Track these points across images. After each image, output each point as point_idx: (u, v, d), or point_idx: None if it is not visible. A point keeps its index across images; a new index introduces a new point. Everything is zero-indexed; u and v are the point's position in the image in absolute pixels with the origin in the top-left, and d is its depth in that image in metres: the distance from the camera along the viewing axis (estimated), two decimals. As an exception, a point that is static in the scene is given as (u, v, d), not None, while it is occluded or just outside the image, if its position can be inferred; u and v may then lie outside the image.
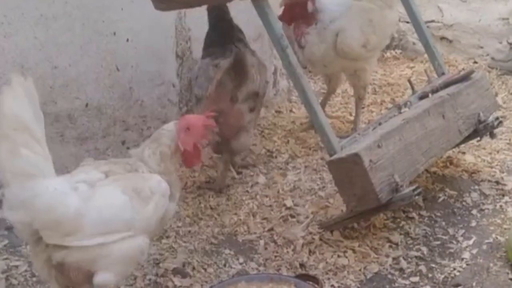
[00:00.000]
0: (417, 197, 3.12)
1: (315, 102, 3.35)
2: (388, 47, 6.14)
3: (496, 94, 5.23)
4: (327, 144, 3.29)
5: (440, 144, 3.59)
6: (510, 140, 4.56)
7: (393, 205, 3.20)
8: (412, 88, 3.99)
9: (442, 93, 3.74)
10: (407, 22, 5.41)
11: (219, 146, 3.78)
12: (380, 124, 3.48)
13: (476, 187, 3.95)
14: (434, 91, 3.77)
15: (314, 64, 4.40)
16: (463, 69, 5.72)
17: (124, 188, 2.49)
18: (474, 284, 3.11)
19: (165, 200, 2.61)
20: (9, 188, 2.29)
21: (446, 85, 3.82)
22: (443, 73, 4.09)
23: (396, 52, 6.20)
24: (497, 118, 3.94)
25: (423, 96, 3.74)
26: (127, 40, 3.94)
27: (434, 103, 3.62)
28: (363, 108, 4.89)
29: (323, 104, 4.75)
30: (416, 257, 3.33)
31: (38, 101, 2.39)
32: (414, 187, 3.12)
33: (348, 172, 3.08)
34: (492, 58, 5.76)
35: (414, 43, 6.00)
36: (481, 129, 3.87)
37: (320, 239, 3.43)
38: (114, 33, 3.85)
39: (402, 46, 6.13)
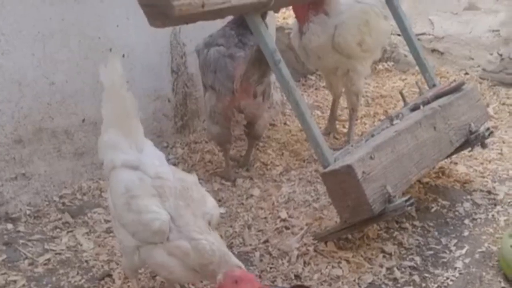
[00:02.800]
0: (409, 207, 3.16)
1: (308, 114, 3.39)
2: (380, 60, 6.23)
3: (488, 105, 5.31)
4: (320, 156, 3.34)
5: (431, 155, 3.64)
6: (501, 150, 4.62)
7: (386, 216, 3.24)
8: (404, 100, 4.05)
9: (434, 104, 3.79)
10: (399, 35, 5.48)
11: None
12: (372, 135, 3.52)
13: (468, 197, 4.01)
14: (426, 103, 3.82)
15: (309, 54, 4.47)
16: (454, 80, 5.79)
17: None
18: (466, 293, 3.15)
19: None
20: None
21: (437, 96, 3.88)
22: (434, 85, 4.15)
23: (388, 65, 6.28)
24: (488, 129, 3.99)
25: (414, 108, 3.79)
26: (123, 56, 4.00)
27: (426, 115, 3.67)
28: (356, 120, 4.95)
29: (333, 110, 4.90)
30: (409, 267, 3.36)
31: None
32: (406, 197, 3.16)
33: (341, 183, 3.13)
34: (483, 69, 5.83)
35: (405, 56, 6.08)
36: (472, 140, 3.92)
37: (315, 250, 3.47)
38: (110, 49, 3.91)
39: (394, 58, 6.21)
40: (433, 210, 3.87)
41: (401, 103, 4.28)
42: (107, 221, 3.68)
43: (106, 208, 3.63)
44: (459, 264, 3.37)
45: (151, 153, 2.86)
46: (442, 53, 6.05)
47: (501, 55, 5.76)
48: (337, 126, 5.01)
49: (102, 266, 3.32)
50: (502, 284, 3.18)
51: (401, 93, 4.11)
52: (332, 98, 4.94)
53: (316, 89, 5.78)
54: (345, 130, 4.89)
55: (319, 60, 4.46)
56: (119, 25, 3.95)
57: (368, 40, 4.37)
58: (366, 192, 3.06)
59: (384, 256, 3.44)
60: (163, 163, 2.85)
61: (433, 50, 6.09)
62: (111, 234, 3.51)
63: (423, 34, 6.09)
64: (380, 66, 6.27)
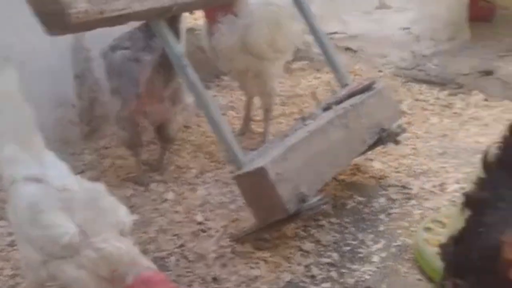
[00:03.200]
0: (323, 206, 3.18)
1: (218, 117, 3.36)
2: (294, 59, 6.23)
3: (402, 101, 5.39)
4: (233, 158, 3.31)
5: (345, 154, 3.65)
6: (415, 145, 4.67)
7: (301, 215, 3.23)
8: (316, 100, 4.05)
9: (346, 104, 3.80)
10: (313, 34, 5.49)
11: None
12: (286, 136, 3.50)
13: (384, 192, 4.02)
14: (338, 102, 3.82)
15: (219, 56, 4.41)
16: (368, 78, 5.86)
17: None
18: (384, 286, 3.14)
19: None
20: None
21: (350, 96, 3.89)
22: (346, 84, 4.15)
23: (302, 63, 6.28)
24: (399, 126, 4.04)
25: (327, 108, 3.79)
26: (22, 63, 3.81)
27: (338, 114, 3.67)
28: (271, 120, 4.92)
29: (248, 111, 4.87)
30: (327, 263, 3.34)
31: None
32: (320, 196, 3.17)
33: (255, 185, 3.10)
34: (397, 67, 5.92)
35: (320, 54, 6.09)
36: (385, 137, 3.95)
37: (232, 252, 3.41)
38: (6, 57, 3.72)
39: (308, 57, 6.21)
40: (349, 206, 3.87)
41: (325, 99, 4.28)
42: (10, 234, 3.49)
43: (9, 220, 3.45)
44: (375, 258, 3.37)
45: (54, 164, 2.75)
46: (355, 51, 6.11)
47: (413, 52, 5.87)
48: (253, 126, 4.97)
49: (7, 281, 3.17)
50: (418, 276, 3.20)
51: (313, 94, 4.11)
52: (246, 98, 4.89)
53: (231, 89, 5.72)
54: (260, 130, 4.85)
55: (230, 61, 4.41)
56: (17, 31, 3.76)
57: (279, 40, 4.33)
58: (280, 193, 3.04)
59: (302, 254, 3.41)
60: (67, 174, 2.75)
61: (347, 49, 6.14)
62: (15, 248, 3.31)
63: (336, 33, 6.13)
64: (294, 65, 6.27)
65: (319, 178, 3.40)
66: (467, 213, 2.39)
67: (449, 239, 2.38)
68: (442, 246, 2.37)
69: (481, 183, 2.43)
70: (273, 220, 3.21)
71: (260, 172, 3.07)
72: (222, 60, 4.46)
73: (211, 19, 4.32)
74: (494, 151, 2.42)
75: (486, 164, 2.43)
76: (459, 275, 2.11)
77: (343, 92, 3.99)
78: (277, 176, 3.08)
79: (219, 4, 4.19)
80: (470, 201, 2.41)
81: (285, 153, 3.22)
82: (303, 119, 3.71)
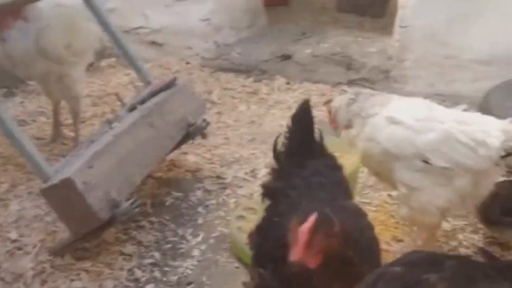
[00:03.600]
0: (137, 209, 3.19)
1: (16, 131, 3.24)
2: (102, 56, 6.12)
3: (211, 92, 5.52)
4: (38, 172, 3.22)
5: (153, 153, 3.67)
6: (227, 134, 4.83)
7: (116, 221, 3.21)
8: (121, 101, 4.03)
9: (149, 103, 3.82)
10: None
11: None
12: (93, 142, 3.45)
13: (200, 184, 4.12)
14: (142, 101, 3.83)
15: (16, 63, 4.20)
16: (177, 71, 5.93)
17: None
18: (204, 279, 3.25)
19: None
20: None
21: (153, 94, 3.91)
22: (149, 82, 4.16)
23: (111, 61, 6.19)
24: (204, 120, 4.13)
25: (132, 108, 3.78)
26: None
27: (142, 114, 3.68)
28: (84, 122, 4.81)
29: (56, 116, 4.70)
30: (150, 264, 3.38)
31: None
32: (132, 200, 3.18)
33: (64, 197, 3.04)
34: (202, 57, 6.04)
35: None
36: (192, 132, 4.03)
37: (52, 267, 3.32)
38: None
39: (116, 54, 6.11)
40: (168, 203, 3.92)
41: (129, 99, 4.25)
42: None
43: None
44: (196, 252, 3.46)
45: None
46: (161, 45, 6.13)
47: (216, 42, 6.01)
48: (64, 131, 4.81)
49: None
50: (235, 265, 3.34)
51: (117, 95, 4.08)
52: (52, 104, 4.73)
53: (38, 94, 5.48)
54: (73, 135, 4.71)
55: (28, 67, 4.22)
56: None
57: (76, 43, 4.22)
58: (90, 202, 3.01)
59: (124, 258, 3.41)
60: None
61: (153, 43, 6.15)
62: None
63: (140, 27, 6.11)
64: (103, 63, 6.16)
65: (130, 181, 3.40)
66: (267, 202, 2.56)
67: (254, 228, 2.53)
68: (249, 236, 2.51)
69: (275, 173, 2.61)
70: (88, 230, 3.17)
71: (67, 183, 3.01)
72: (19, 67, 4.26)
73: (1, 26, 4.09)
74: (282, 141, 2.61)
75: (276, 155, 2.62)
76: (261, 263, 2.25)
77: (146, 91, 4.00)
78: (85, 185, 3.03)
79: (8, 10, 3.99)
80: (267, 191, 2.58)
81: (91, 160, 3.18)
82: (109, 122, 3.67)
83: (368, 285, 1.72)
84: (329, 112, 3.48)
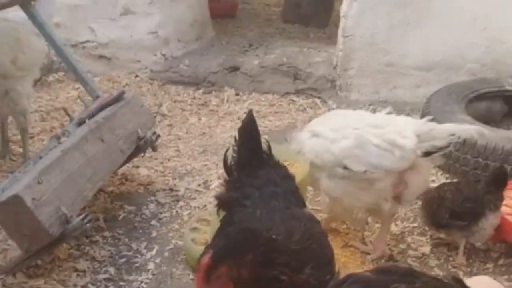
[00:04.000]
0: (88, 224, 3.18)
1: None
2: (49, 71, 6.09)
3: (161, 105, 5.54)
4: (-18, 189, 3.15)
5: (104, 168, 3.67)
6: (178, 147, 4.86)
7: (67, 237, 3.20)
8: (69, 116, 4.01)
9: (98, 117, 3.81)
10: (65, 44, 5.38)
11: None
12: (41, 157, 3.42)
13: (153, 198, 4.14)
14: (90, 116, 3.82)
15: None
16: (126, 84, 5.93)
17: None
18: (160, 292, 3.27)
19: None
20: None
21: (101, 108, 3.90)
22: (97, 97, 4.15)
23: (59, 75, 6.14)
24: (154, 133, 4.15)
25: (80, 123, 3.77)
26: None
27: (91, 129, 3.68)
28: (32, 137, 4.77)
29: (3, 132, 4.65)
30: (104, 279, 3.37)
31: None
32: (83, 216, 3.17)
33: (12, 214, 3.00)
34: (151, 70, 6.05)
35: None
36: (142, 145, 4.04)
37: (4, 285, 3.27)
38: None
39: (64, 68, 6.08)
40: (121, 217, 3.92)
41: (78, 114, 4.24)
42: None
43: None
44: (151, 265, 3.47)
45: None
46: (109, 59, 6.12)
47: (164, 55, 6.03)
48: (13, 147, 4.75)
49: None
50: (191, 276, 3.36)
51: (64, 110, 4.06)
52: (-1, 120, 4.66)
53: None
54: (21, 151, 4.66)
55: None
56: None
57: (22, 58, 4.19)
58: (40, 219, 2.98)
59: (78, 275, 3.39)
60: None
61: (100, 57, 6.13)
62: None
63: (87, 41, 6.08)
64: (50, 78, 6.11)
65: (81, 196, 3.38)
66: (222, 214, 2.61)
67: (212, 239, 2.57)
68: (206, 247, 2.55)
69: (227, 185, 2.66)
70: (39, 247, 3.13)
71: (15, 200, 2.96)
72: None
73: None
74: (231, 154, 2.67)
75: (227, 168, 2.67)
76: None
77: (94, 105, 3.99)
78: (34, 202, 3.00)
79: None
80: (221, 203, 2.63)
81: (39, 176, 3.14)
82: (57, 137, 3.64)
83: (335, 285, 1.75)
84: None
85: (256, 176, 2.60)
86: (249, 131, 2.67)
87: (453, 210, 3.41)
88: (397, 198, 3.34)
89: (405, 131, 3.19)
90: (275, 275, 2.11)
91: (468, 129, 3.23)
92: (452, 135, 3.14)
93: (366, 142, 3.22)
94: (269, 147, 2.74)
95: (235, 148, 2.69)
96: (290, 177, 2.71)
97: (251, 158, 2.65)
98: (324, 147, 3.32)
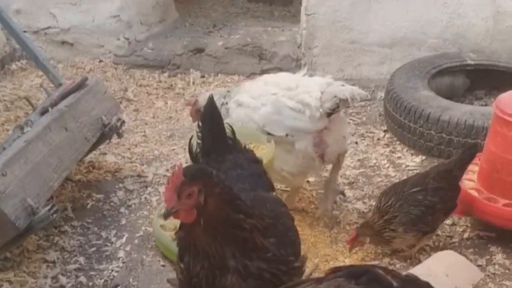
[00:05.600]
0: (54, 215, 3.13)
1: None
2: (12, 59, 5.98)
3: (126, 89, 5.49)
4: None
5: (69, 157, 3.63)
6: (145, 132, 4.83)
7: (34, 228, 3.16)
8: (31, 105, 3.96)
9: (61, 105, 3.76)
10: (25, 31, 5.28)
11: None
12: (4, 149, 3.36)
13: (121, 185, 4.12)
14: (53, 104, 3.76)
15: None
16: (90, 70, 5.86)
17: None
18: (131, 280, 3.28)
19: None
20: None
21: (64, 96, 3.85)
22: (60, 84, 4.10)
23: (22, 63, 6.03)
24: (119, 119, 4.11)
25: (44, 112, 3.71)
26: None
27: (54, 118, 3.62)
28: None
29: None
30: (74, 269, 3.37)
31: None
32: (49, 206, 3.13)
33: (-22, 207, 2.96)
34: (115, 55, 5.97)
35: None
36: (107, 132, 4.00)
37: (-29, 280, 3.25)
38: None
39: (26, 56, 5.97)
40: (89, 206, 3.90)
41: (41, 102, 4.18)
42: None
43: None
44: (121, 253, 3.48)
45: None
46: (72, 44, 6.02)
47: (127, 39, 5.95)
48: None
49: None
50: (162, 263, 3.38)
51: (27, 99, 4.00)
52: None
53: None
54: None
55: None
56: None
57: None
58: (6, 211, 2.94)
59: (47, 266, 3.38)
60: None
61: (63, 42, 6.03)
62: None
63: (48, 28, 5.97)
64: (13, 66, 6.00)
65: (46, 186, 3.35)
66: None
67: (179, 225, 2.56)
68: (175, 232, 2.54)
69: None
70: (6, 240, 3.09)
71: None
72: None
73: None
74: (196, 140, 2.67)
75: (192, 155, 2.67)
76: (181, 259, 2.30)
77: (57, 93, 3.92)
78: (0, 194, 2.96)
79: None
80: None
81: (3, 168, 3.09)
82: (20, 127, 3.59)
83: (349, 272, 1.75)
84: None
85: (223, 161, 2.61)
86: (211, 117, 2.67)
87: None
88: (322, 157, 3.51)
89: (313, 91, 3.37)
90: (239, 219, 2.16)
91: (343, 90, 3.36)
92: (335, 96, 3.33)
93: (283, 107, 3.40)
94: (233, 132, 2.74)
95: (199, 134, 2.69)
96: (256, 161, 2.74)
97: (216, 144, 2.66)
98: (248, 116, 3.48)
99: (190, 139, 2.71)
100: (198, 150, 2.69)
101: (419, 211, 3.28)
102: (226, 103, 3.61)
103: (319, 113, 3.33)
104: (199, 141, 2.68)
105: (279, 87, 3.49)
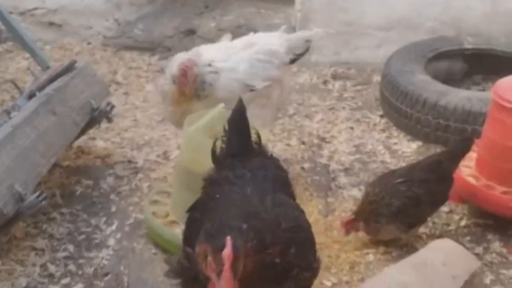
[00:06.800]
0: (43, 202, 3.08)
1: None
2: (-1, 41, 5.87)
3: (116, 72, 5.38)
4: None
5: (58, 142, 3.54)
6: (135, 116, 4.72)
7: (22, 215, 3.09)
8: (18, 88, 3.87)
9: (48, 89, 3.66)
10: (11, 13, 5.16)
11: None
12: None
13: (111, 171, 4.02)
14: (41, 88, 3.67)
15: None
16: (78, 52, 5.75)
17: None
18: (121, 268, 3.20)
19: None
20: None
21: (52, 79, 3.75)
22: (47, 67, 4.00)
23: (8, 45, 5.91)
24: (109, 103, 4.02)
25: (31, 96, 3.62)
26: None
27: (42, 102, 3.53)
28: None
29: None
30: (64, 257, 3.29)
31: None
32: (38, 193, 3.07)
33: (-37, 195, 2.88)
34: (104, 36, 5.86)
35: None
36: (97, 116, 3.92)
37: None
38: None
39: (12, 38, 5.85)
40: (78, 192, 3.82)
41: (28, 86, 4.08)
42: None
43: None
44: (111, 241, 3.40)
45: None
46: (60, 26, 5.91)
47: (117, 20, 5.85)
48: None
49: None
50: (153, 251, 3.31)
51: (13, 82, 3.90)
52: None
53: None
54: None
55: None
56: None
57: None
58: (-7, 198, 2.86)
59: (36, 254, 3.31)
60: None
61: (51, 24, 5.91)
62: None
63: (35, 8, 5.86)
64: (0, 49, 5.88)
65: (34, 172, 3.27)
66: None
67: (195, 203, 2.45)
68: (187, 210, 2.44)
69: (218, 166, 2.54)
70: (-7, 227, 3.02)
71: None
72: None
73: None
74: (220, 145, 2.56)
75: (215, 159, 2.54)
76: (190, 242, 2.20)
77: (44, 76, 3.83)
78: None
79: None
80: (209, 182, 2.51)
81: None
82: (7, 112, 3.50)
83: None
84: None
85: (250, 161, 2.50)
86: (239, 120, 2.55)
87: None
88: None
89: (276, 43, 3.67)
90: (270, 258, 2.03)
91: (316, 33, 3.77)
92: (308, 41, 3.73)
93: (255, 60, 3.61)
94: (259, 137, 2.62)
95: (224, 139, 2.57)
96: (283, 170, 2.63)
97: (242, 148, 2.54)
98: (228, 79, 3.55)
99: (215, 141, 2.58)
100: (221, 153, 2.57)
101: (400, 203, 3.20)
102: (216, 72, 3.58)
103: (288, 58, 3.68)
104: (223, 145, 2.55)
105: (243, 45, 3.69)
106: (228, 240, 1.92)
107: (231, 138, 2.54)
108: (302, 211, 2.44)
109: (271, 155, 2.69)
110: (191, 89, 3.49)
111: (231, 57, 3.62)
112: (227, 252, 1.90)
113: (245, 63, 3.60)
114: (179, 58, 3.55)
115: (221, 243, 1.92)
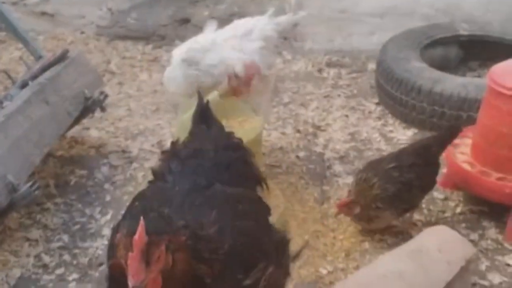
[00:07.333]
0: (37, 192, 3.06)
1: None
2: (-9, 31, 5.81)
3: (109, 62, 5.35)
4: None
5: (51, 131, 3.52)
6: (129, 106, 4.70)
7: (16, 206, 3.08)
8: (11, 78, 3.84)
9: (41, 78, 3.63)
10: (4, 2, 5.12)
11: None
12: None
13: (105, 160, 4.01)
14: (34, 77, 3.64)
15: None
16: (71, 42, 5.71)
17: None
18: (116, 259, 3.18)
19: None
20: None
21: (44, 69, 3.72)
22: (40, 57, 3.97)
23: (0, 35, 5.87)
24: (102, 92, 3.99)
25: (24, 85, 3.59)
26: None
27: (34, 91, 3.51)
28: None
29: None
30: (58, 247, 3.28)
31: None
32: (31, 183, 3.05)
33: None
34: (97, 26, 5.82)
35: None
36: (90, 106, 3.89)
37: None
38: None
39: (5, 28, 5.80)
40: (72, 182, 3.80)
41: (21, 76, 4.05)
42: None
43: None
44: (106, 231, 3.38)
45: None
46: (52, 15, 5.87)
47: (110, 9, 5.80)
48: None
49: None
50: (148, 241, 3.28)
51: (5, 72, 3.87)
52: None
53: None
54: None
55: None
56: None
57: None
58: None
59: (30, 244, 3.30)
60: None
61: (43, 13, 5.87)
62: None
63: (28, -2, 5.84)
64: (-8, 38, 5.84)
65: (27, 162, 3.25)
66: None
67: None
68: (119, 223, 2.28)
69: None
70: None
71: None
72: None
73: None
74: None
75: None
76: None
77: (37, 66, 3.80)
78: None
79: None
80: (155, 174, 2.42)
81: None
82: (0, 102, 3.48)
83: None
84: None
85: (186, 147, 2.35)
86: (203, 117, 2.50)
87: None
88: None
89: (269, 29, 3.70)
90: (200, 270, 1.80)
91: (297, 17, 3.85)
92: (295, 24, 3.94)
93: (260, 48, 3.63)
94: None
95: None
96: (234, 148, 2.39)
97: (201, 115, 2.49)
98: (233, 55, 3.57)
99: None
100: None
101: (395, 189, 3.19)
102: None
103: (279, 42, 3.83)
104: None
105: (234, 33, 3.72)
106: (141, 221, 1.63)
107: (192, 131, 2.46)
108: (252, 199, 2.23)
109: (229, 133, 2.48)
110: (248, 90, 3.61)
111: (244, 50, 3.63)
112: (137, 234, 1.62)
113: (257, 55, 3.62)
114: (240, 59, 3.59)
115: (135, 227, 1.64)
